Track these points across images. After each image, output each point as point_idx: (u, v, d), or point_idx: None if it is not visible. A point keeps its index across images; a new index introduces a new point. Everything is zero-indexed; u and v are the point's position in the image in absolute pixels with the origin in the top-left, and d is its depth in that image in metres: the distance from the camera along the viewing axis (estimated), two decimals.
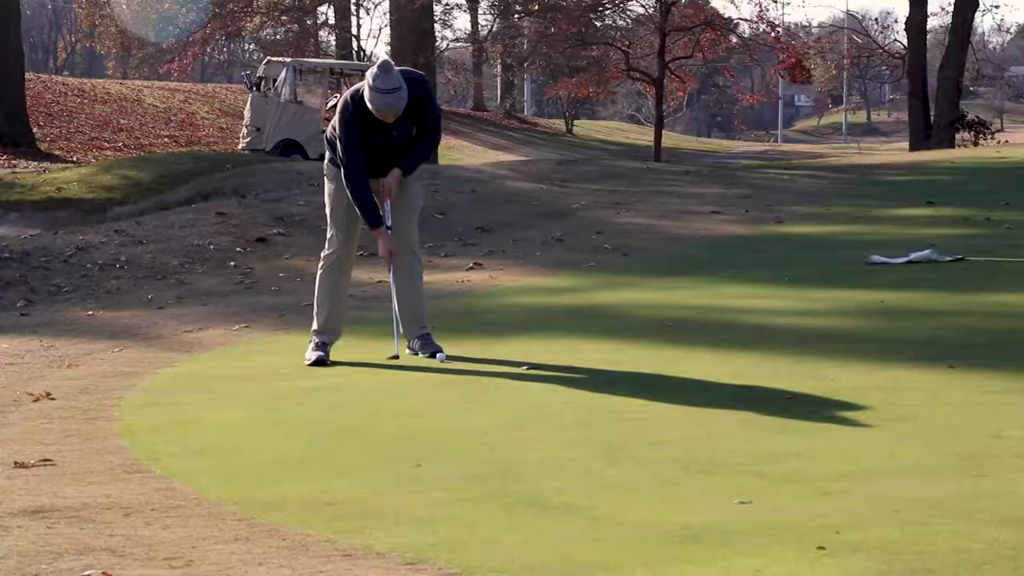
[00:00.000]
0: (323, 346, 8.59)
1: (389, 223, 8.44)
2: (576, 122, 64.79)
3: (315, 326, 8.66)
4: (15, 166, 29.63)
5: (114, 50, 62.79)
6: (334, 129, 8.34)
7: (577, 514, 4.89)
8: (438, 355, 8.38)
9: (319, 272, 8.70)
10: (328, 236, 8.65)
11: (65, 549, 4.51)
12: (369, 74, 7.98)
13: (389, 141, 8.27)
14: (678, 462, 5.61)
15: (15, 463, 5.85)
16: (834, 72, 68.50)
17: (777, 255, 13.42)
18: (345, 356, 8.71)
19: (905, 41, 41.26)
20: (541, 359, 8.22)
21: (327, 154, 8.58)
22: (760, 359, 8.06)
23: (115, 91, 47.40)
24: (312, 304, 8.73)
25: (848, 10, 79.93)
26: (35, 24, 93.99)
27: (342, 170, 8.28)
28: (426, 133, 8.42)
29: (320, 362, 8.46)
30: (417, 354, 8.58)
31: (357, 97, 8.13)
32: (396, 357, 8.51)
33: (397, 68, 8.11)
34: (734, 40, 43.68)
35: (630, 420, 6.52)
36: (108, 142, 38.70)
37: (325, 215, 8.65)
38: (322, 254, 8.70)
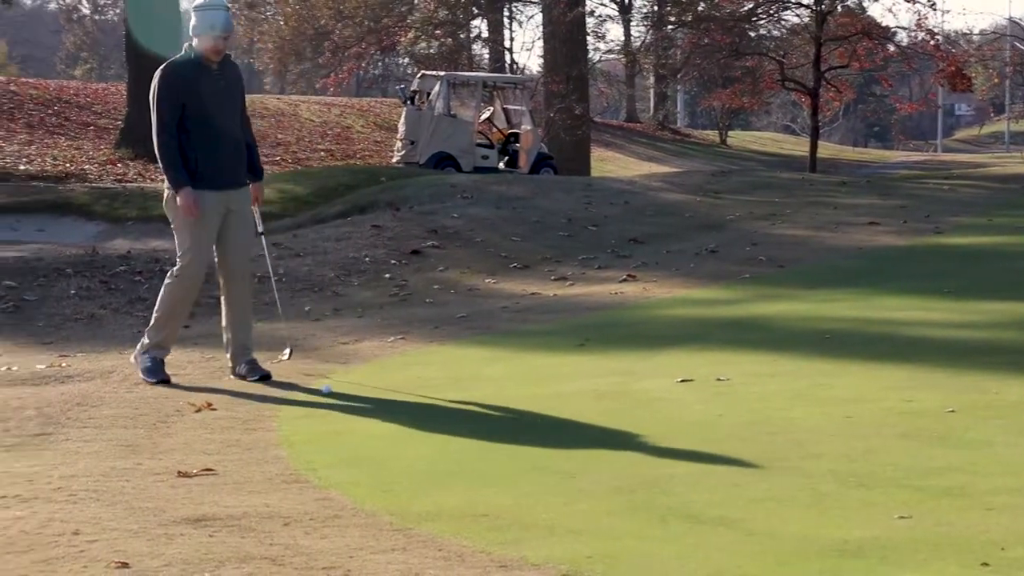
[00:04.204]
0: (163, 364, 8.59)
1: (261, 229, 8.87)
2: (730, 133, 64.37)
3: (158, 341, 8.59)
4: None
5: (272, 66, 63.73)
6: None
7: (732, 527, 4.85)
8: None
9: (174, 290, 8.57)
10: (180, 253, 8.57)
11: (227, 557, 4.57)
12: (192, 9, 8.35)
13: (223, 106, 8.39)
14: (835, 475, 5.54)
15: (178, 472, 5.95)
16: (996, 80, 67.19)
17: (936, 266, 13.20)
18: (503, 367, 8.73)
19: None
20: (695, 371, 8.18)
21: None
22: (918, 372, 7.93)
23: (273, 106, 48.10)
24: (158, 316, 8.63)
25: (1011, 16, 78.47)
26: None
27: (155, 139, 8.31)
28: (252, 140, 8.76)
29: (167, 381, 8.45)
30: (245, 378, 8.57)
31: (170, 66, 8.36)
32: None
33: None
34: (892, 49, 43.05)
35: (786, 433, 6.45)
36: (266, 156, 39.24)
37: (181, 243, 8.55)
38: (174, 271, 8.60)
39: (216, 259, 8.72)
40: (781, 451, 6.04)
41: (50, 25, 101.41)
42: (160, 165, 8.44)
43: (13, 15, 78.43)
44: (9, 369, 9.37)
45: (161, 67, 8.44)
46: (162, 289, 8.66)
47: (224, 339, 8.78)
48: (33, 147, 34.58)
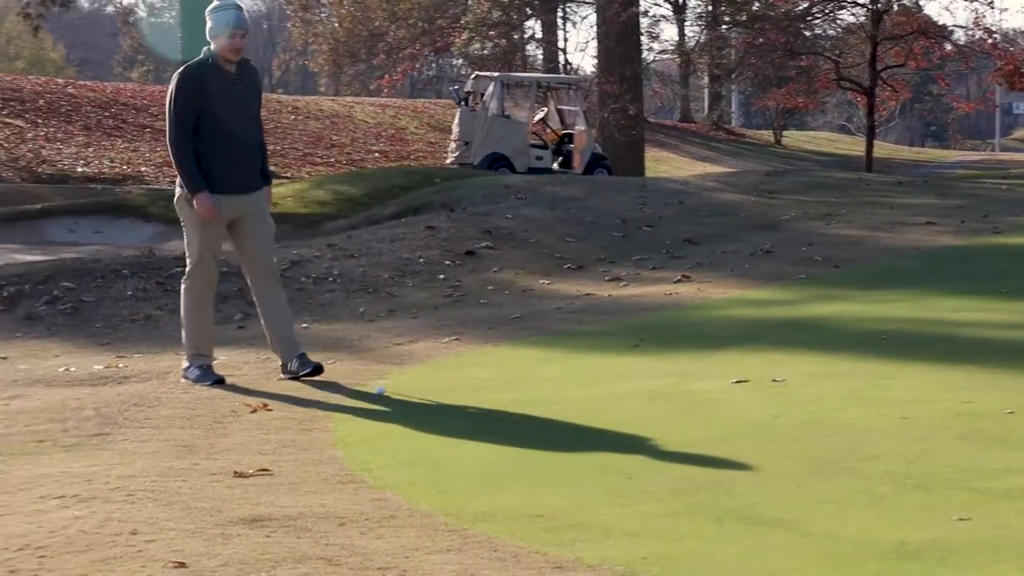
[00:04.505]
0: (211, 368, 8.61)
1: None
2: (785, 133, 64.15)
3: (197, 350, 8.59)
4: None
5: (326, 67, 63.93)
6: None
7: (789, 529, 4.83)
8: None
9: (191, 295, 8.60)
10: (188, 254, 8.61)
11: (283, 557, 4.59)
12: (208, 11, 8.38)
13: (241, 111, 8.44)
14: (893, 477, 5.50)
15: (234, 472, 5.97)
16: None
17: (994, 267, 13.10)
18: (557, 368, 8.73)
19: None
20: (750, 372, 8.15)
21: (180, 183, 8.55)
22: (977, 373, 7.87)
23: (327, 108, 48.30)
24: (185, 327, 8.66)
25: None
26: (251, 44, 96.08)
27: (170, 143, 8.37)
28: (264, 144, 8.80)
29: (221, 381, 8.48)
30: (297, 374, 8.60)
31: (190, 67, 8.40)
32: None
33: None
34: (949, 47, 42.79)
35: (842, 434, 6.42)
36: (320, 158, 39.43)
37: (190, 245, 8.59)
38: (186, 275, 8.65)
39: (241, 263, 8.79)
40: (837, 452, 6.01)
41: (107, 28, 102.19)
42: (178, 170, 8.47)
43: (71, 18, 78.99)
44: (67, 370, 9.45)
45: (179, 71, 8.49)
46: (180, 297, 8.69)
47: (269, 340, 8.82)
48: (90, 149, 34.87)
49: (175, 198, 8.62)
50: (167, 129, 8.46)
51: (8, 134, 35.25)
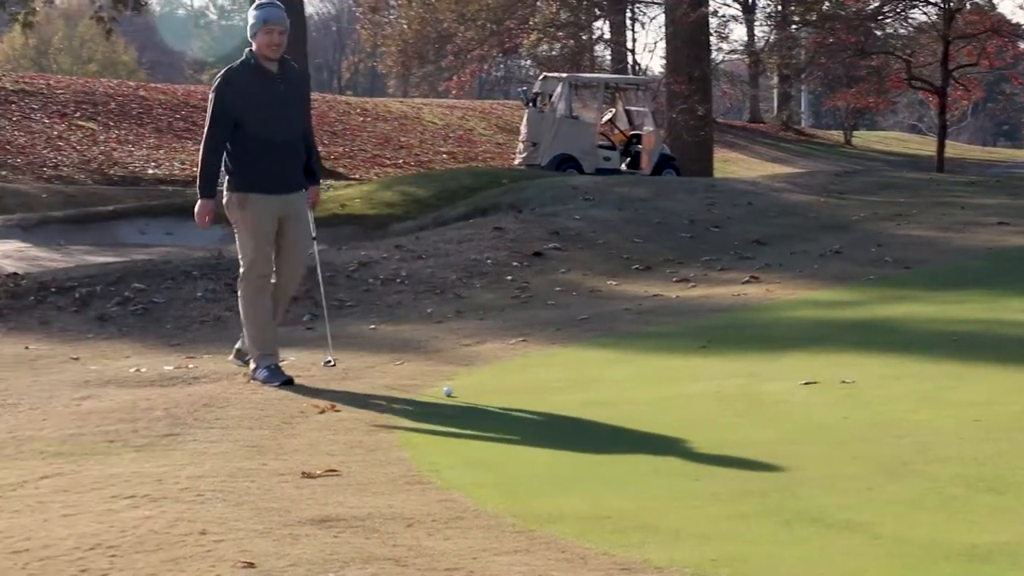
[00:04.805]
0: (279, 368, 8.65)
1: (315, 234, 8.95)
2: (855, 133, 63.75)
3: (263, 350, 8.62)
4: None
5: (395, 69, 64.13)
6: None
7: (859, 531, 4.80)
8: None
9: (249, 295, 8.63)
10: (241, 256, 8.63)
11: (351, 558, 4.60)
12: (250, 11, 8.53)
13: (282, 111, 8.48)
14: (964, 479, 5.45)
15: (303, 473, 6.00)
16: None
17: None
18: (625, 369, 8.71)
19: None
20: (819, 373, 8.10)
21: (228, 183, 8.60)
22: None
23: (396, 109, 48.47)
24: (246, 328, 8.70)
25: None
26: (320, 46, 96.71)
27: (204, 142, 8.51)
28: (312, 144, 8.86)
29: (290, 382, 8.51)
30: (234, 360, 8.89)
31: (233, 67, 8.52)
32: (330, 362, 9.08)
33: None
34: (1023, 46, 42.37)
35: (912, 435, 6.36)
36: (389, 159, 39.58)
37: (243, 245, 8.61)
38: (240, 277, 8.67)
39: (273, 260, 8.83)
40: (907, 454, 5.96)
41: (178, 31, 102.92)
42: (199, 168, 8.56)
43: (142, 21, 79.65)
44: (138, 371, 9.52)
45: (220, 72, 8.60)
46: (239, 300, 8.74)
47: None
48: (161, 151, 35.16)
49: (224, 202, 8.67)
50: (205, 128, 8.55)
51: (80, 136, 35.63)
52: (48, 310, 12.55)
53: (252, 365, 8.69)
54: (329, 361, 9.26)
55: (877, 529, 4.81)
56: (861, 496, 5.29)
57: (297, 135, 8.64)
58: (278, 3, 8.56)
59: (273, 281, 8.70)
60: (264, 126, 8.44)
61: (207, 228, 8.61)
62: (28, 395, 8.52)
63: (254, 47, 8.48)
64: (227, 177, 8.56)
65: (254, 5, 8.56)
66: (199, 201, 8.46)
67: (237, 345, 8.99)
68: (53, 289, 13.04)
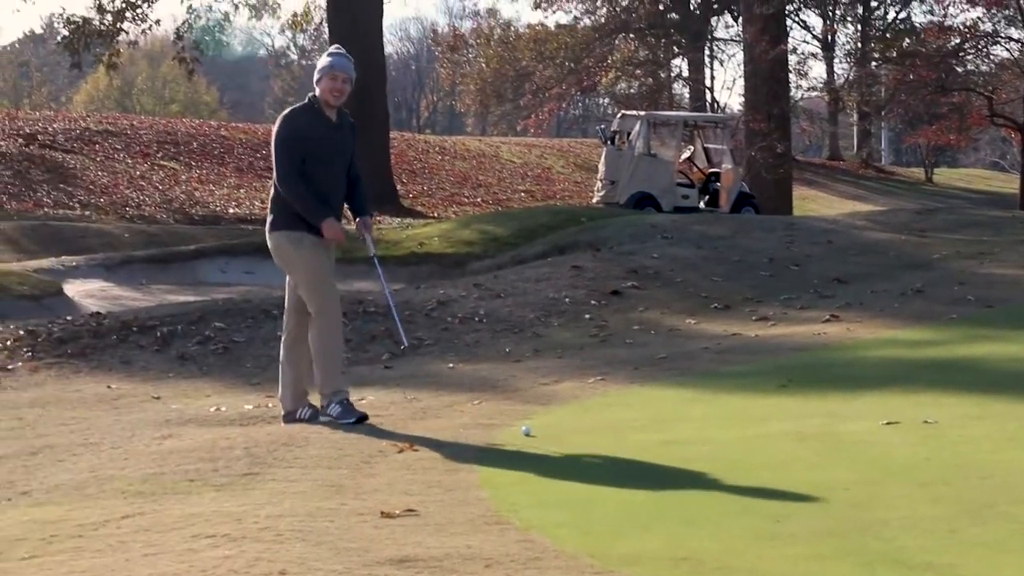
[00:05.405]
0: (352, 403, 8.70)
1: (374, 252, 9.16)
2: (936, 170, 63.31)
3: (337, 386, 8.67)
4: (380, 222, 30.66)
5: (473, 107, 64.45)
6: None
7: (942, 573, 4.74)
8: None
9: (323, 333, 8.64)
10: (308, 297, 8.66)
11: None
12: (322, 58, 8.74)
13: (335, 159, 8.59)
14: None
15: (381, 513, 6.00)
16: None
17: None
18: (704, 409, 8.67)
19: None
20: (901, 413, 8.02)
21: (277, 224, 8.67)
22: None
23: (474, 147, 48.65)
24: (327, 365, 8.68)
25: None
26: (399, 85, 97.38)
27: (283, 182, 8.49)
28: (357, 179, 8.86)
29: (365, 418, 8.56)
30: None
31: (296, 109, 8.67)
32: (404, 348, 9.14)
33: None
34: None
35: (996, 477, 6.29)
36: (467, 197, 39.71)
37: (310, 284, 8.64)
38: (312, 317, 8.68)
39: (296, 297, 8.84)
40: (991, 495, 5.89)
41: (259, 71, 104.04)
42: (296, 206, 8.56)
43: (224, 62, 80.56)
44: (218, 409, 9.59)
45: (283, 114, 8.76)
46: (311, 341, 8.74)
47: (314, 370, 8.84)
48: (242, 191, 35.48)
49: (273, 247, 8.75)
50: (275, 169, 8.61)
51: (163, 176, 36.01)
52: (130, 349, 12.67)
53: (323, 403, 8.73)
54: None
55: (960, 572, 4.75)
56: (943, 538, 5.23)
57: (344, 183, 8.79)
58: (348, 55, 8.75)
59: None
60: (322, 168, 8.58)
61: (344, 240, 8.67)
62: (110, 434, 8.60)
63: (317, 92, 8.63)
64: (276, 217, 8.65)
65: (326, 52, 8.79)
66: (325, 223, 8.51)
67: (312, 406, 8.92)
68: (135, 328, 13.17)
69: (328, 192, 8.61)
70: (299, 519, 5.86)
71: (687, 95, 58.97)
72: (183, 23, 33.05)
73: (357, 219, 8.92)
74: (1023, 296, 14.05)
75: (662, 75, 58.58)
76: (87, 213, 30.57)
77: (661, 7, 58.07)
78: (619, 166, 31.13)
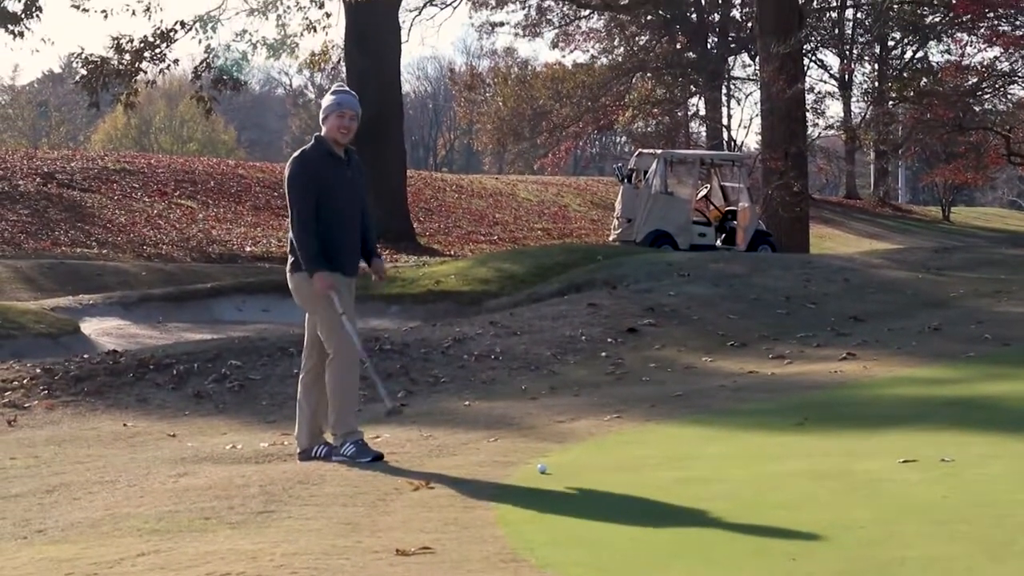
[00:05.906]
0: (366, 443, 8.71)
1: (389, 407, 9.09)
2: (953, 209, 63.25)
3: (350, 427, 8.67)
4: (396, 260, 30.69)
5: (490, 146, 64.61)
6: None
7: None
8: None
9: (339, 374, 8.64)
10: (325, 338, 8.67)
11: None
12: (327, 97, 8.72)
13: (348, 196, 8.60)
14: None
15: (397, 551, 5.99)
16: None
17: None
18: (720, 447, 8.65)
19: None
20: (918, 451, 7.99)
21: (297, 265, 8.68)
22: None
23: (491, 186, 48.72)
24: (339, 405, 8.67)
25: None
26: (416, 123, 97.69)
27: (296, 225, 8.51)
28: (368, 218, 8.88)
29: (380, 457, 8.57)
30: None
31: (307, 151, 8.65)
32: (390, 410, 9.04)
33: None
34: None
35: (1014, 515, 6.26)
36: (484, 236, 39.74)
37: (328, 325, 8.63)
38: (329, 358, 8.68)
39: (315, 337, 8.84)
40: (1010, 535, 5.86)
41: (276, 110, 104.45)
42: (299, 250, 8.59)
43: (241, 100, 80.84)
44: (234, 447, 9.59)
45: (294, 156, 8.76)
46: (327, 381, 8.74)
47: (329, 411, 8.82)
48: (259, 229, 35.54)
49: (293, 287, 8.78)
50: (290, 210, 8.63)
51: (180, 215, 36.11)
52: (146, 387, 12.68)
53: (337, 442, 8.73)
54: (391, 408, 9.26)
55: None
56: None
57: (358, 221, 8.81)
58: (353, 93, 8.81)
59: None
60: (336, 207, 8.61)
61: (336, 288, 8.66)
62: (126, 472, 8.60)
63: (324, 131, 8.67)
64: (296, 259, 8.67)
65: (331, 91, 8.82)
66: (317, 274, 8.53)
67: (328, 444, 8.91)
68: (151, 366, 13.18)
69: (343, 230, 8.63)
70: (314, 557, 5.85)
71: (704, 133, 59.08)
72: (201, 62, 33.09)
73: (370, 262, 8.93)
74: None
75: (679, 114, 58.72)
76: (104, 252, 30.65)
77: (678, 46, 58.25)
78: (636, 204, 31.16)
